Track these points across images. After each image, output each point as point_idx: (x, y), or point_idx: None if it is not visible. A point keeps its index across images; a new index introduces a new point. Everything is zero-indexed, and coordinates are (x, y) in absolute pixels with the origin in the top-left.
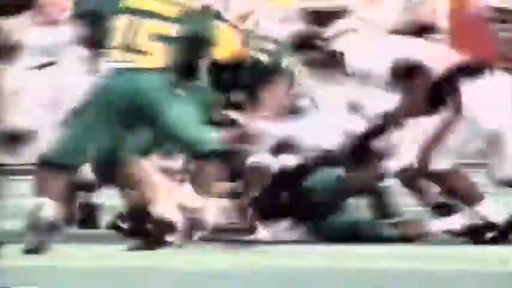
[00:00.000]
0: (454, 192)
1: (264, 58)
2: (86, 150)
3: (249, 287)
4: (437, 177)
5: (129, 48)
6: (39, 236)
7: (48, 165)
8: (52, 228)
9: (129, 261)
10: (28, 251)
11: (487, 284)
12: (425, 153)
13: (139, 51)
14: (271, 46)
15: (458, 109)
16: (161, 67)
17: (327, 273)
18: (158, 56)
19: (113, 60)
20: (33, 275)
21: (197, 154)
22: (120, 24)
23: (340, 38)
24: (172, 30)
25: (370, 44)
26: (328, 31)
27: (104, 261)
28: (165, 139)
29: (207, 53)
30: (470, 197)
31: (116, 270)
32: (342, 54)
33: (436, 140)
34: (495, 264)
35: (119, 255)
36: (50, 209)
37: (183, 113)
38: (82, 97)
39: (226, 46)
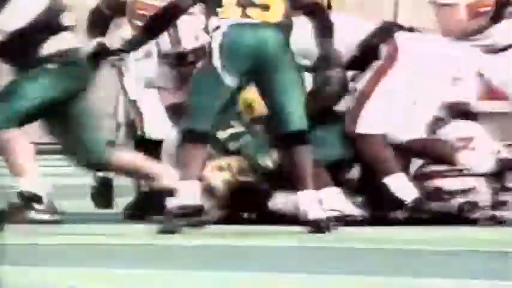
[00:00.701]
0: (371, 160)
1: None
2: (216, 112)
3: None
4: (361, 140)
5: (244, 3)
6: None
7: (192, 135)
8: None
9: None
10: (163, 232)
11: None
12: (357, 109)
13: (256, 5)
14: None
15: (391, 56)
16: (280, 22)
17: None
18: (275, 10)
19: (229, 16)
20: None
21: (284, 130)
22: None
23: None
24: None
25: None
26: None
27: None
28: (264, 98)
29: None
30: (384, 168)
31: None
32: None
33: (368, 93)
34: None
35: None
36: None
37: (294, 80)
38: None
39: None
